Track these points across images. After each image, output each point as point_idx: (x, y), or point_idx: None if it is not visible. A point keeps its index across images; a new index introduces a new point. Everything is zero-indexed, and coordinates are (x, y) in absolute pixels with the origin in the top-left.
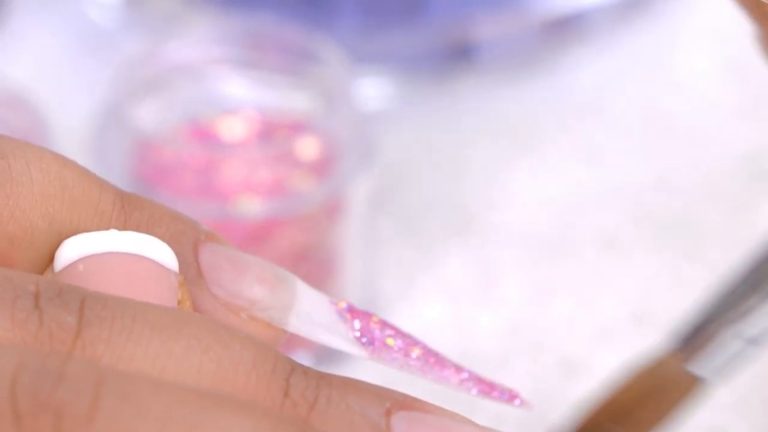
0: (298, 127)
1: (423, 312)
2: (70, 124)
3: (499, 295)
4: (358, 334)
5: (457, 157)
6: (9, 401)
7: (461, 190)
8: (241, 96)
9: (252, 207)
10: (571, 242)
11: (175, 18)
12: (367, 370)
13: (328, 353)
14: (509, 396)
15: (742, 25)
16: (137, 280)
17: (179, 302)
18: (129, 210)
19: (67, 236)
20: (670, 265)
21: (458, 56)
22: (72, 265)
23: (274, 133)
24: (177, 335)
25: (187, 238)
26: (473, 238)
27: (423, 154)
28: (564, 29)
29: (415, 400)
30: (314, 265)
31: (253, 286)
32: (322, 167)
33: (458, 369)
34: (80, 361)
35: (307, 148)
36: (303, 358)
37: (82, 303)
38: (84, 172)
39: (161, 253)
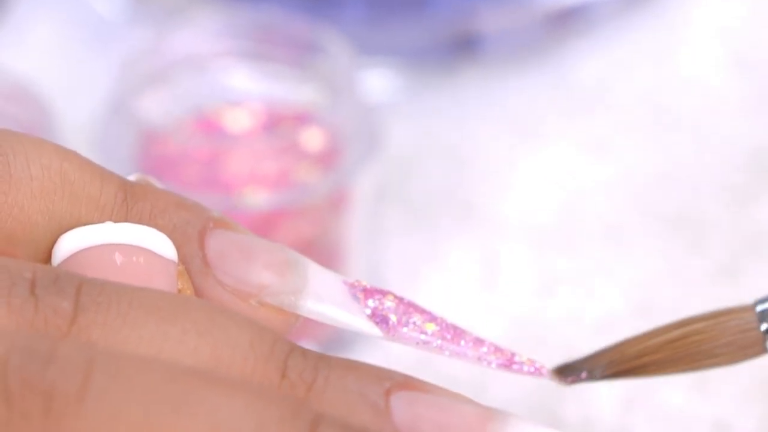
0: (303, 119)
1: (427, 303)
2: (75, 116)
3: (504, 287)
4: (371, 313)
5: (461, 149)
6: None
7: (466, 181)
8: (246, 88)
9: (257, 199)
10: (576, 234)
11: (180, 10)
12: (378, 358)
13: (334, 342)
14: (530, 368)
15: (746, 18)
16: (134, 271)
17: (179, 291)
18: (131, 202)
19: (68, 231)
20: (674, 258)
21: (463, 48)
22: (68, 260)
23: (279, 124)
24: (173, 319)
25: (192, 228)
26: (478, 229)
27: (428, 146)
28: (568, 21)
29: (415, 380)
30: (319, 256)
31: (261, 271)
32: (327, 159)
33: (477, 342)
34: (71, 342)
35: (313, 139)
36: (309, 347)
37: (78, 289)
38: (85, 165)
39: (158, 243)
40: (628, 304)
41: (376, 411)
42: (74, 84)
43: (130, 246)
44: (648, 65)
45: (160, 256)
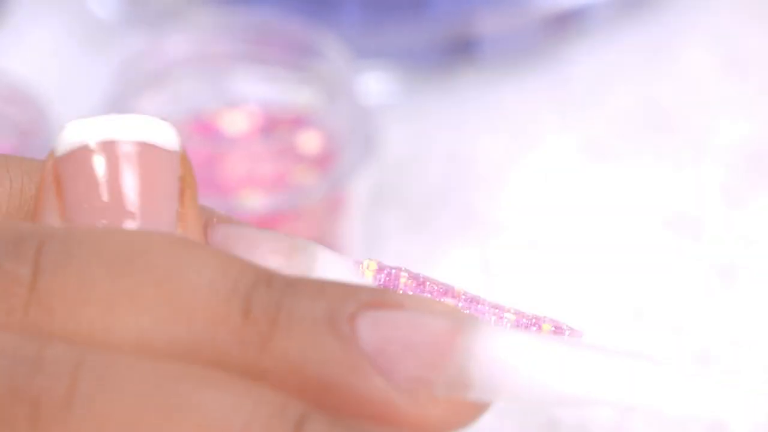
0: (300, 122)
1: None
2: (73, 118)
3: (501, 290)
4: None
5: (459, 152)
6: None
7: (463, 184)
8: (243, 90)
9: (254, 201)
10: (574, 237)
11: (177, 12)
12: None
13: None
14: (556, 330)
15: (743, 20)
16: (140, 172)
17: (181, 178)
18: None
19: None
20: (671, 262)
21: (460, 51)
22: (75, 153)
23: (276, 127)
24: (130, 270)
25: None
26: (476, 232)
27: (425, 149)
28: (566, 24)
29: (382, 295)
30: None
31: (267, 256)
32: (324, 162)
33: (498, 311)
34: (58, 347)
35: (310, 142)
36: None
37: (38, 250)
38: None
39: (164, 133)
40: (626, 306)
41: (342, 340)
42: (71, 86)
43: (139, 143)
44: (645, 67)
45: (166, 150)
